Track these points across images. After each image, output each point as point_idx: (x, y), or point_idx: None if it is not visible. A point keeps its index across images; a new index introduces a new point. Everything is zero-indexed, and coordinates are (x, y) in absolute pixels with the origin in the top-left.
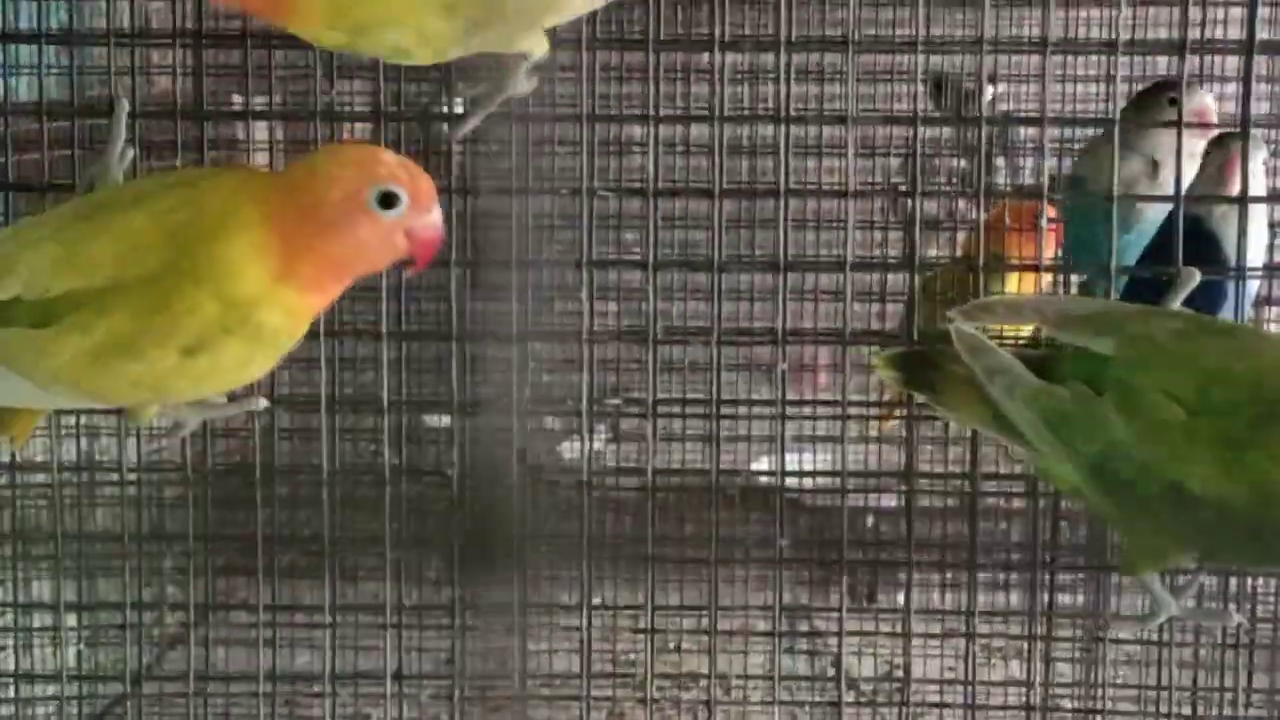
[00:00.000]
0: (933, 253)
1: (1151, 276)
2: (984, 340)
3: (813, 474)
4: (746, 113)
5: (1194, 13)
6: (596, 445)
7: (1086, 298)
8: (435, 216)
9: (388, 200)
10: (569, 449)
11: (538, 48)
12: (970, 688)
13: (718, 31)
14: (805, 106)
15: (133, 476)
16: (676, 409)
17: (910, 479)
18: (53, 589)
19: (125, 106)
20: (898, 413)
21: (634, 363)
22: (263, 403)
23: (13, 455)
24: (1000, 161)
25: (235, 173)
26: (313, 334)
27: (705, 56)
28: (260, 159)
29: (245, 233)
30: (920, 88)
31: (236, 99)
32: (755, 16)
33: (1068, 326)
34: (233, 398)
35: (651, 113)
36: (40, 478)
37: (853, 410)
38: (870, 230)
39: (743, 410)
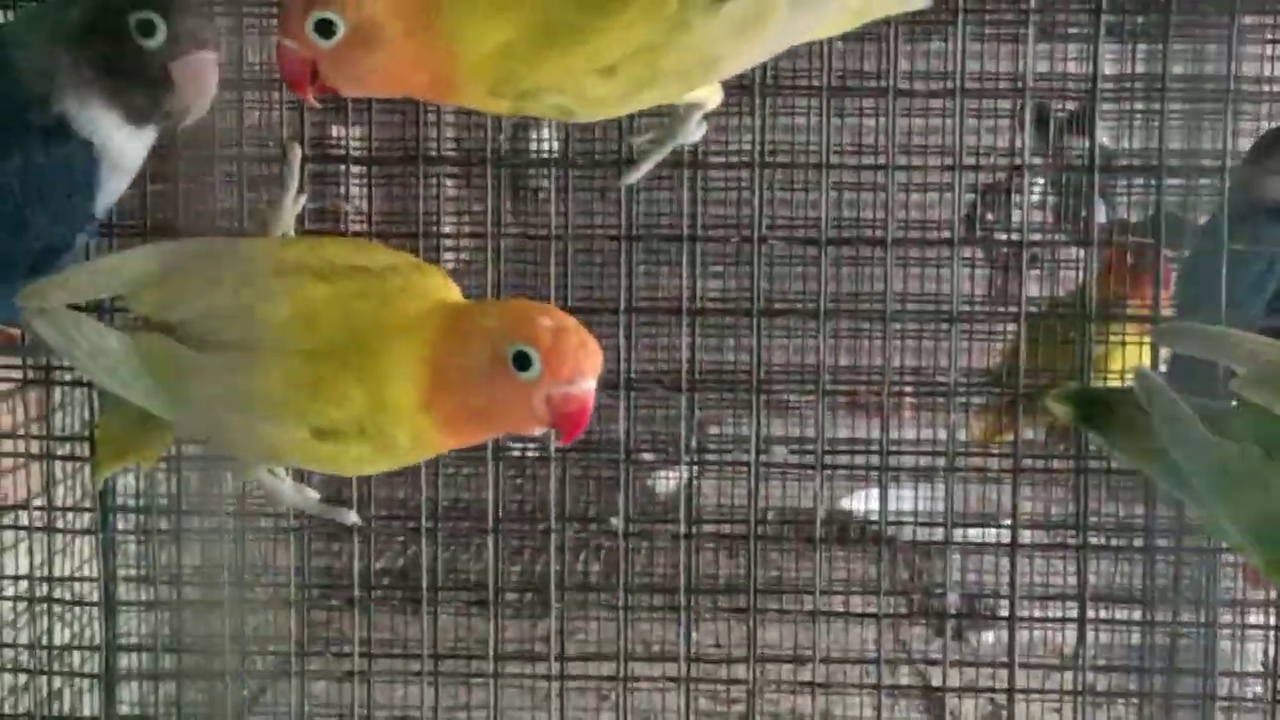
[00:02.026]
0: (1033, 292)
1: None
2: (1163, 384)
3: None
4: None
5: None
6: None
7: None
8: (579, 388)
9: (521, 360)
10: (663, 484)
11: (712, 97)
12: None
13: (892, 80)
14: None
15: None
16: (843, 447)
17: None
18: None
19: (299, 152)
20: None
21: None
22: (353, 517)
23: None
24: (1098, 200)
25: (426, 277)
26: None
27: None
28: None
29: (418, 351)
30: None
31: (335, 131)
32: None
33: (1254, 382)
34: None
35: (824, 161)
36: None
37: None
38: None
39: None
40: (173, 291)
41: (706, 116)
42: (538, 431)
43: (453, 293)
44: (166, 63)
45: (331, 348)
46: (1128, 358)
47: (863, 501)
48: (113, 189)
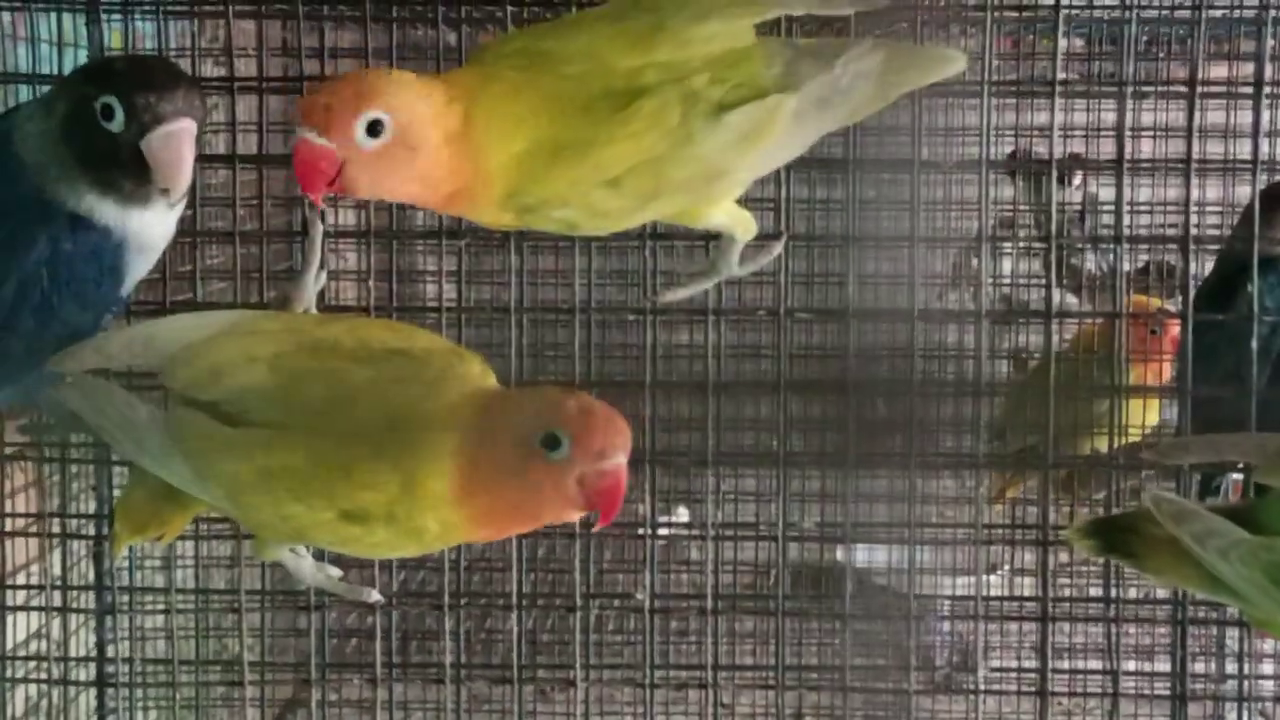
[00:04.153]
0: (1021, 339)
1: None
2: (1184, 504)
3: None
4: None
5: None
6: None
7: None
8: (609, 465)
9: (550, 442)
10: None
11: (740, 228)
12: None
13: (916, 153)
14: None
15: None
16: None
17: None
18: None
19: (321, 229)
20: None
21: None
22: (375, 596)
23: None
24: (1088, 249)
25: (464, 363)
26: None
27: None
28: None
29: (451, 441)
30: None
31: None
32: None
33: (1274, 471)
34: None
35: (850, 233)
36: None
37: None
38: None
39: None
40: (207, 367)
41: (752, 252)
42: (574, 516)
43: (489, 379)
44: (136, 143)
45: (367, 431)
46: (1131, 413)
47: (856, 554)
48: (139, 270)
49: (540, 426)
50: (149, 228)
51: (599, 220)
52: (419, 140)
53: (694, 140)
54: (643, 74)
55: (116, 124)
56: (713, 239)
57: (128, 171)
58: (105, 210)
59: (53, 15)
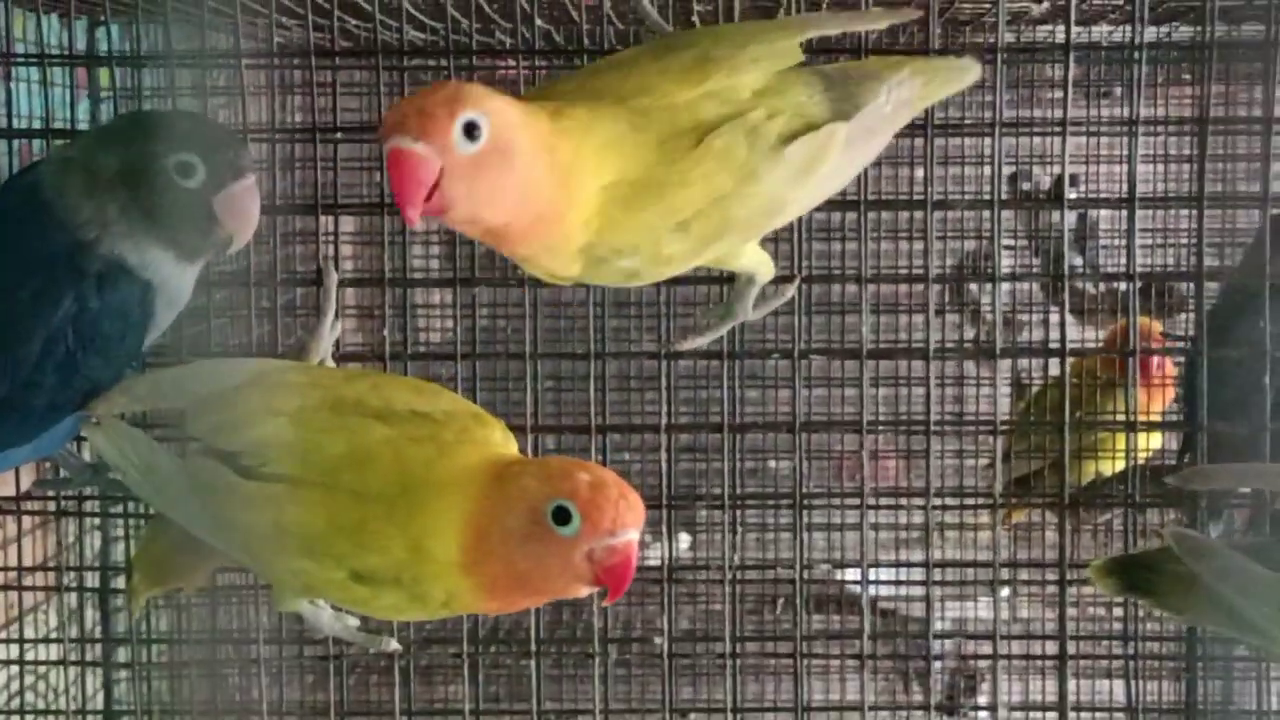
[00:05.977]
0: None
1: None
2: (1204, 540)
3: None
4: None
5: None
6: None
7: None
8: (619, 542)
9: (560, 516)
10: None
11: (763, 269)
12: None
13: (929, 193)
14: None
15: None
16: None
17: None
18: None
19: (335, 278)
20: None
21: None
22: (394, 644)
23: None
24: (1077, 260)
25: (484, 428)
26: None
27: None
28: None
29: (462, 508)
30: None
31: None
32: None
33: None
34: None
35: (866, 275)
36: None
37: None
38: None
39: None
40: (230, 417)
41: (764, 296)
42: (583, 593)
43: (510, 446)
44: (209, 198)
45: (380, 492)
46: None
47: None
48: (164, 323)
49: (551, 499)
50: (185, 281)
51: (661, 267)
52: (516, 144)
53: (758, 176)
54: (701, 107)
55: (195, 181)
56: (726, 280)
57: (196, 227)
58: (162, 264)
59: None
